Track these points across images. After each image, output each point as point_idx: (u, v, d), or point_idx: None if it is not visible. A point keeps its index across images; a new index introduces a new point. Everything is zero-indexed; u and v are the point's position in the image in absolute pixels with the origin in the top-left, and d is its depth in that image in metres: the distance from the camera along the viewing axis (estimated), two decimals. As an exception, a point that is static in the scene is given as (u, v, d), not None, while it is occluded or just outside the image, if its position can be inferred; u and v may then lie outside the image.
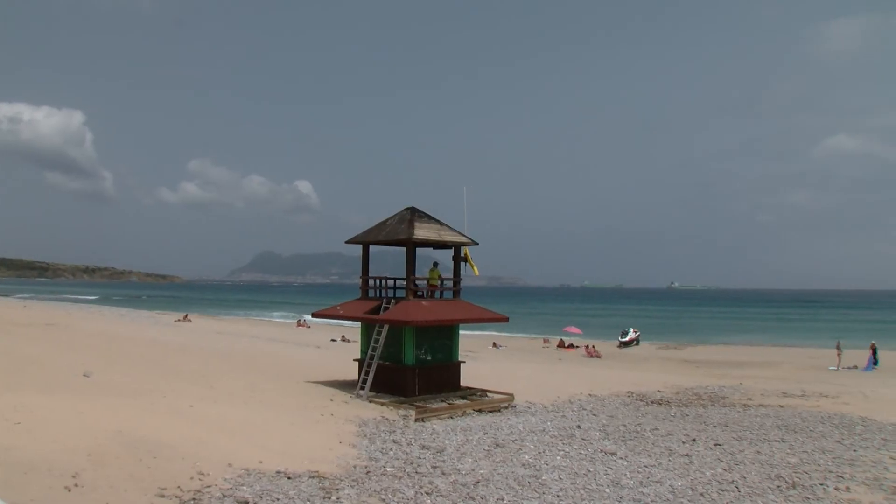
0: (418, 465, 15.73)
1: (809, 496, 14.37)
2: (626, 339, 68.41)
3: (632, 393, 30.10)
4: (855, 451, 18.91)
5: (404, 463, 15.94)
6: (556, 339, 67.40)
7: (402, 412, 22.19)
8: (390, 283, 26.46)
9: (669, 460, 17.23)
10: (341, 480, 13.97)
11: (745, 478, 15.68)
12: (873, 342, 53.01)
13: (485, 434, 19.65)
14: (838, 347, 50.59)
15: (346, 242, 26.73)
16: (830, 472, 16.47)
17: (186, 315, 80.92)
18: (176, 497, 11.75)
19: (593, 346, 59.18)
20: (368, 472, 14.88)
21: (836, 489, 14.93)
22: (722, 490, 14.61)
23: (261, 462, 14.45)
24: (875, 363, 48.86)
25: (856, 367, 48.36)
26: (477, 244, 26.60)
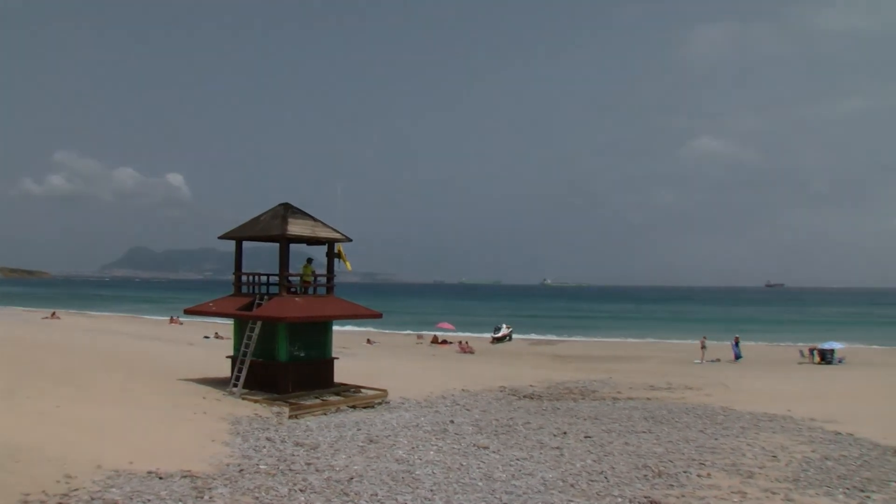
0: (292, 463, 15.65)
1: (674, 483, 14.96)
2: (499, 334, 69.12)
3: (504, 388, 30.55)
4: (716, 439, 19.78)
5: (278, 460, 15.83)
6: (429, 336, 67.59)
7: (275, 409, 21.98)
8: (263, 279, 26.16)
9: (541, 453, 17.61)
10: (214, 479, 13.78)
11: (613, 468, 16.17)
12: (737, 335, 55.60)
13: (358, 430, 19.68)
14: (702, 343, 52.69)
15: (220, 238, 26.30)
16: (693, 460, 17.17)
17: (54, 312, 77.84)
18: (41, 502, 11.39)
19: (466, 342, 59.62)
20: (242, 470, 14.73)
21: (699, 476, 15.60)
22: (592, 481, 15.03)
23: (131, 463, 14.12)
24: (738, 356, 51.17)
25: (718, 360, 50.43)
26: (351, 240, 26.58)
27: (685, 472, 15.96)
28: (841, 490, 14.66)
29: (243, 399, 23.12)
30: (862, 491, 14.61)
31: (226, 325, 56.32)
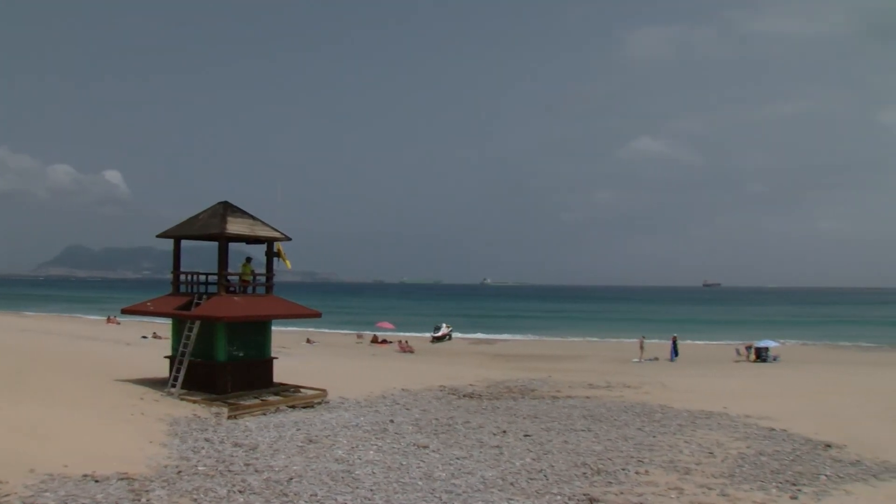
0: (231, 464, 15.53)
1: (612, 481, 15.17)
2: (439, 334, 69.32)
3: (444, 387, 30.60)
4: (654, 437, 20.10)
5: (216, 461, 15.70)
6: (369, 335, 67.63)
7: (214, 410, 21.77)
8: (202, 278, 25.88)
9: (481, 452, 17.71)
10: (152, 481, 13.62)
11: (553, 466, 16.34)
12: (674, 335, 56.51)
13: (298, 430, 19.60)
14: (641, 342, 53.47)
15: (158, 237, 25.89)
16: (632, 457, 17.43)
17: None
18: (-30, 507, 11.16)
19: (406, 342, 59.69)
20: (180, 471, 14.58)
21: (637, 473, 15.85)
22: (531, 479, 15.16)
23: (66, 466, 13.86)
24: (676, 354, 51.99)
25: (657, 358, 51.17)
26: (290, 239, 26.44)
27: (623, 469, 16.19)
28: (774, 484, 15.05)
29: (182, 399, 22.85)
30: (794, 485, 15.02)
31: (164, 325, 55.55)
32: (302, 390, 25.55)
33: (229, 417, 21.13)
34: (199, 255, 29.79)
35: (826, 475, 15.93)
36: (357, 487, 14.08)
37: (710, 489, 14.63)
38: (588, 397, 28.41)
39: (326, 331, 76.70)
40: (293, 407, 23.59)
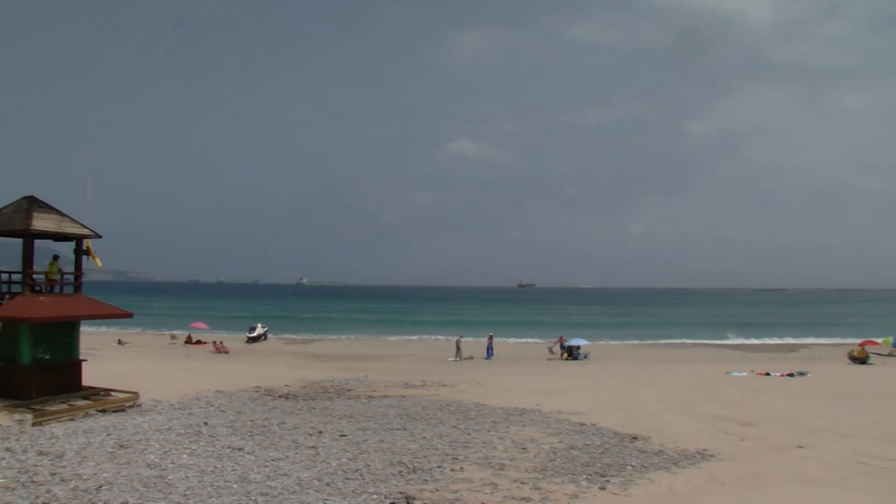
0: (34, 474, 14.94)
1: (428, 478, 15.53)
2: (254, 334, 68.31)
3: (259, 388, 30.36)
4: (469, 434, 20.65)
5: (18, 472, 15.07)
6: (183, 335, 65.98)
7: (17, 417, 20.77)
8: (5, 277, 24.64)
9: (296, 453, 17.73)
10: (-53, 495, 12.97)
11: (369, 465, 16.55)
12: (490, 334, 58.04)
13: (108, 435, 19.03)
14: (458, 341, 54.58)
15: (-44, 233, 24.53)
16: (447, 454, 17.88)
17: None
18: None
19: (221, 342, 58.56)
20: (-23, 485, 13.93)
21: (452, 470, 16.29)
22: (347, 479, 15.32)
23: None
24: (491, 353, 53.36)
25: (472, 357, 52.36)
26: (100, 236, 25.56)
27: (439, 466, 16.59)
28: (584, 476, 15.88)
29: (-20, 406, 21.73)
30: (603, 476, 15.91)
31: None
32: (113, 394, 24.77)
33: (34, 424, 20.25)
34: (3, 253, 28.34)
35: (632, 465, 16.99)
36: (170, 493, 13.85)
37: (523, 483, 15.23)
38: (404, 396, 28.82)
39: (139, 331, 74.67)
40: (103, 411, 22.86)
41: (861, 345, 53.46)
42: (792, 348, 68.02)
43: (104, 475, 14.99)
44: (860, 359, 48.55)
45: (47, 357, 23.41)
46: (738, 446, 19.44)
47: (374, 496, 14.10)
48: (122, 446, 17.80)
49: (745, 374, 39.90)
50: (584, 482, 15.40)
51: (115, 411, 23.13)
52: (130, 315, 26.82)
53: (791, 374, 38.86)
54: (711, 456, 18.11)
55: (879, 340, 58.27)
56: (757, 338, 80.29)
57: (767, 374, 39.43)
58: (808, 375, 38.55)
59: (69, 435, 18.99)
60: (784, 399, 28.74)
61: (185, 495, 13.76)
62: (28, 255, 23.56)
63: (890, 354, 54.46)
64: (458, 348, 53.74)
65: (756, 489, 15.07)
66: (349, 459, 17.17)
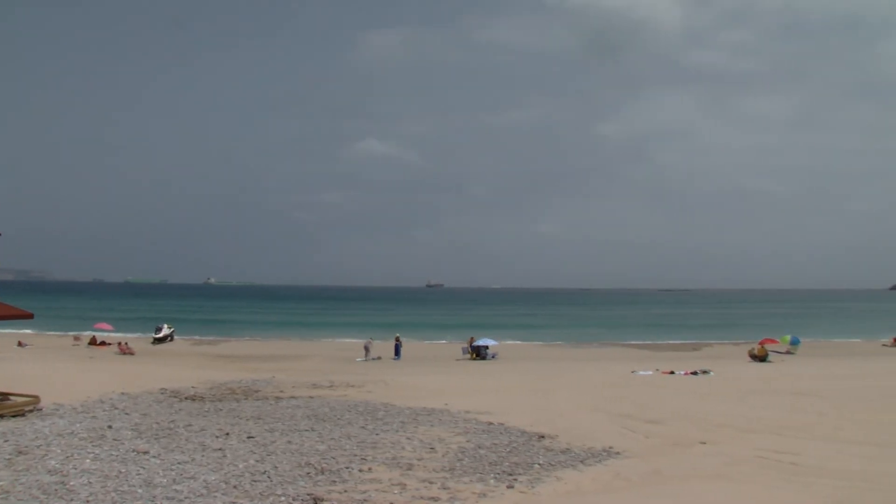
0: (-75, 482, 14.39)
1: (336, 479, 15.42)
2: (160, 334, 67.19)
3: (165, 389, 29.81)
4: (377, 434, 20.59)
5: None
6: (87, 336, 64.42)
7: None
8: None
9: (203, 455, 17.43)
10: None
11: (276, 467, 16.37)
12: (398, 335, 58.17)
13: (6, 441, 18.39)
14: (367, 343, 54.64)
15: None
16: (356, 455, 17.79)
17: None
18: None
19: (126, 343, 57.34)
20: None
21: (360, 471, 16.21)
22: (255, 481, 15.13)
23: None
24: (399, 354, 53.48)
25: (380, 358, 52.41)
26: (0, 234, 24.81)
27: (347, 467, 16.50)
28: (492, 475, 15.94)
29: None
30: (510, 474, 16.00)
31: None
32: (11, 397, 23.99)
33: (-76, 428, 19.53)
34: None
35: (539, 464, 17.12)
36: (72, 499, 13.46)
37: (431, 483, 15.23)
38: (312, 397, 28.63)
39: (40, 333, 72.57)
40: (1, 416, 22.14)
41: (761, 343, 55.47)
42: (695, 347, 69.82)
43: (1, 483, 14.50)
44: (760, 357, 50.25)
45: (-60, 359, 22.61)
46: (644, 444, 19.84)
47: (282, 498, 13.94)
48: (20, 452, 17.23)
49: (650, 372, 40.84)
50: (491, 481, 15.48)
51: (13, 416, 22.40)
52: (31, 316, 25.99)
53: (694, 373, 39.92)
54: (618, 454, 18.39)
55: (778, 339, 60.26)
56: (661, 338, 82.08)
57: (672, 372, 40.40)
58: (711, 374, 39.66)
59: (-37, 440, 18.34)
60: (688, 397, 29.48)
61: (88, 501, 13.39)
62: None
63: (788, 352, 56.38)
64: (366, 350, 53.82)
65: (661, 485, 15.39)
66: (256, 461, 16.96)
